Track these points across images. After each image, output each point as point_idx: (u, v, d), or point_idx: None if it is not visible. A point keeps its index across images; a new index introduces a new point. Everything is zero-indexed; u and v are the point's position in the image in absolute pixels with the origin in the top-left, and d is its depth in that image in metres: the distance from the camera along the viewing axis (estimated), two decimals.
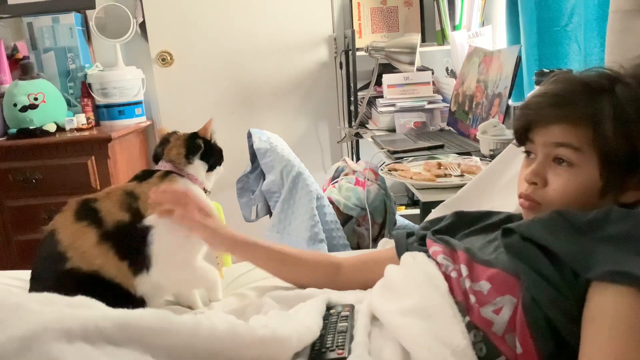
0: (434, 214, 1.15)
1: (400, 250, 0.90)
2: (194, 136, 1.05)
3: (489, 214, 0.90)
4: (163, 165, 1.03)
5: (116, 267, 0.91)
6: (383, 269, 0.88)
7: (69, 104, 2.41)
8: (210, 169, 1.05)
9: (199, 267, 1.01)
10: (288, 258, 1.01)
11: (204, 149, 1.04)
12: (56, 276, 0.90)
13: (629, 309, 0.59)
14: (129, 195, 0.96)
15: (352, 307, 0.81)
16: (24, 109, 2.15)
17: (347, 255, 1.04)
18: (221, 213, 1.16)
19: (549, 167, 0.74)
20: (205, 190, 1.06)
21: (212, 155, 1.05)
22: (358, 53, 2.28)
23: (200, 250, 1.02)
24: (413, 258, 0.82)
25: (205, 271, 1.02)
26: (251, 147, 1.75)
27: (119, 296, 0.91)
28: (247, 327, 0.66)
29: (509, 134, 1.48)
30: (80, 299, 0.62)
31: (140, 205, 0.95)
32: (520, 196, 0.78)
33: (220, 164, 1.08)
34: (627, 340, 0.57)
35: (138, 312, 0.60)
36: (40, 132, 2.15)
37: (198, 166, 1.03)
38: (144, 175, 1.01)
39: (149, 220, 0.94)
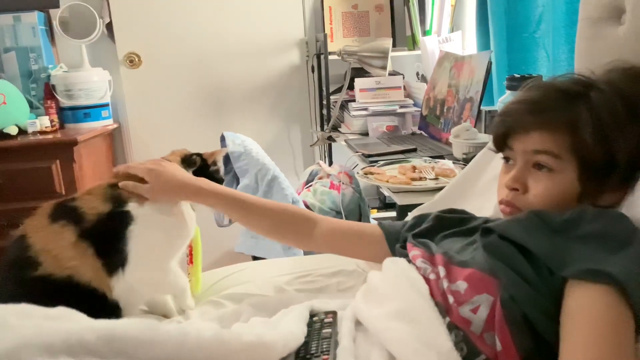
0: (415, 212, 1.16)
1: (390, 238, 0.93)
2: (195, 154, 1.08)
3: (468, 219, 0.91)
4: None
5: (92, 267, 0.88)
6: (363, 245, 0.92)
7: (31, 106, 2.31)
8: None
9: (172, 271, 1.00)
10: (252, 207, 0.99)
11: (199, 168, 1.05)
12: (23, 284, 0.87)
13: (604, 306, 0.60)
14: (111, 187, 0.96)
15: (335, 313, 0.81)
16: None
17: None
18: (199, 238, 1.14)
19: (529, 173, 0.75)
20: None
21: (205, 177, 1.04)
22: (329, 57, 2.28)
23: (176, 253, 1.00)
24: (394, 263, 0.83)
25: (177, 276, 1.01)
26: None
27: (92, 303, 0.87)
28: (232, 334, 0.65)
29: (481, 137, 1.51)
30: (59, 311, 0.59)
31: (122, 194, 0.94)
32: (501, 202, 0.79)
33: None
34: (604, 337, 0.59)
35: (123, 322, 0.58)
36: (1, 135, 2.06)
37: None
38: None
39: (131, 207, 0.92)
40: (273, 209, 1.00)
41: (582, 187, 0.72)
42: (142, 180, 0.97)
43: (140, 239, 0.92)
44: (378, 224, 0.98)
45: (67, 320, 0.58)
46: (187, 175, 0.99)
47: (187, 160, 1.05)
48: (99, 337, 0.55)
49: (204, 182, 0.99)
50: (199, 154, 1.07)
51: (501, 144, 0.80)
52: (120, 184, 0.95)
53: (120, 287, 0.90)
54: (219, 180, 1.08)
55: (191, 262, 1.12)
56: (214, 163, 1.08)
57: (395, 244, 0.91)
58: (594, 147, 0.71)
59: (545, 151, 0.73)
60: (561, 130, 0.72)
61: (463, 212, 0.94)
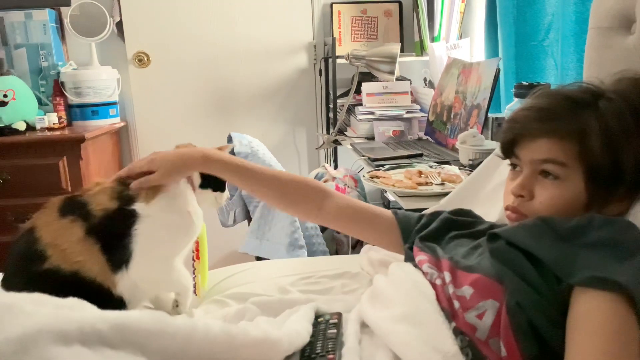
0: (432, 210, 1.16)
1: (405, 229, 0.94)
2: None
3: (475, 222, 0.91)
4: None
5: (98, 263, 0.88)
6: (373, 228, 0.94)
7: (40, 102, 2.33)
8: (202, 185, 1.04)
9: (176, 269, 0.99)
10: (259, 175, 0.98)
11: None
12: (31, 277, 0.87)
13: (611, 314, 0.60)
14: (120, 183, 0.96)
15: (340, 315, 0.81)
16: None
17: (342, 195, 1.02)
18: (204, 234, 1.13)
19: (536, 180, 0.76)
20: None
21: (210, 175, 1.04)
22: (337, 61, 2.29)
23: (181, 251, 1.00)
24: (400, 268, 0.83)
25: (180, 275, 1.00)
26: (231, 150, 1.73)
27: (98, 298, 0.88)
28: (240, 329, 0.66)
29: (488, 144, 1.51)
30: (71, 301, 0.60)
31: (131, 193, 0.94)
32: (507, 209, 0.79)
33: (215, 189, 1.06)
34: (610, 345, 0.59)
35: (135, 314, 0.58)
36: (9, 130, 2.07)
37: (195, 175, 1.03)
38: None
39: (138, 206, 0.92)
40: (281, 178, 0.98)
41: (589, 195, 0.72)
42: (147, 174, 0.96)
43: (145, 237, 0.92)
44: (393, 212, 0.97)
45: (80, 310, 0.58)
46: (187, 148, 0.99)
47: None
48: (112, 326, 0.55)
49: (208, 150, 0.98)
50: None
51: (509, 151, 0.80)
52: (132, 185, 0.94)
53: (124, 283, 0.91)
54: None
55: (198, 257, 1.12)
56: None
57: (408, 237, 0.92)
58: (602, 155, 0.71)
59: (552, 160, 0.73)
60: (569, 138, 0.73)
61: (470, 213, 0.95)
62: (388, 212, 0.97)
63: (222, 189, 1.07)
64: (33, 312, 0.53)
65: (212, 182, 1.05)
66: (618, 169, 0.71)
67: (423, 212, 0.99)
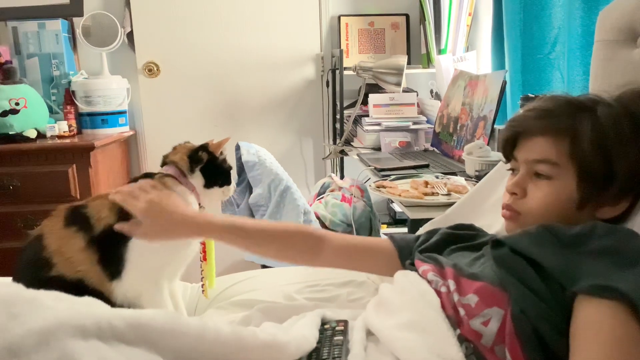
0: (428, 227, 1.16)
1: (403, 253, 0.93)
2: (201, 148, 1.04)
3: (475, 235, 0.92)
4: (165, 169, 1.03)
5: (97, 273, 0.89)
6: (374, 260, 0.93)
7: (51, 110, 2.37)
8: (208, 185, 1.03)
9: (161, 287, 0.97)
10: (255, 234, 0.95)
11: (207, 163, 1.03)
12: (39, 283, 0.88)
13: (613, 322, 0.61)
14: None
15: (346, 322, 0.82)
16: (5, 113, 2.10)
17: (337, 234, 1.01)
18: (212, 250, 1.13)
19: (530, 179, 0.78)
20: (200, 205, 1.05)
21: (214, 172, 1.03)
22: (344, 72, 2.31)
23: (178, 260, 1.00)
24: (405, 276, 0.84)
25: (164, 297, 0.98)
26: (239, 159, 1.75)
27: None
28: (249, 331, 0.67)
29: (494, 155, 1.51)
30: (86, 299, 0.62)
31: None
32: (502, 207, 0.82)
33: (222, 185, 1.05)
34: (612, 353, 0.59)
35: (149, 312, 0.60)
36: (20, 137, 2.11)
37: (197, 178, 1.02)
38: (143, 178, 1.01)
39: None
40: (276, 233, 0.96)
41: (580, 195, 0.74)
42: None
43: (138, 248, 0.92)
44: (389, 237, 0.97)
45: (96, 307, 0.60)
46: (187, 211, 0.94)
47: (194, 158, 1.02)
48: (127, 323, 0.57)
49: (206, 216, 0.96)
50: (204, 148, 1.04)
51: (508, 152, 0.83)
52: (116, 227, 0.90)
53: (118, 292, 0.91)
54: (228, 170, 1.06)
55: (205, 259, 1.12)
56: (221, 153, 1.06)
57: (408, 257, 0.92)
58: (593, 156, 0.73)
59: (545, 160, 0.76)
60: (561, 136, 0.75)
61: (471, 227, 0.95)
62: (385, 240, 0.97)
63: (228, 183, 1.06)
64: (53, 307, 0.55)
65: (217, 180, 1.04)
66: (609, 172, 0.73)
67: (418, 233, 0.99)
